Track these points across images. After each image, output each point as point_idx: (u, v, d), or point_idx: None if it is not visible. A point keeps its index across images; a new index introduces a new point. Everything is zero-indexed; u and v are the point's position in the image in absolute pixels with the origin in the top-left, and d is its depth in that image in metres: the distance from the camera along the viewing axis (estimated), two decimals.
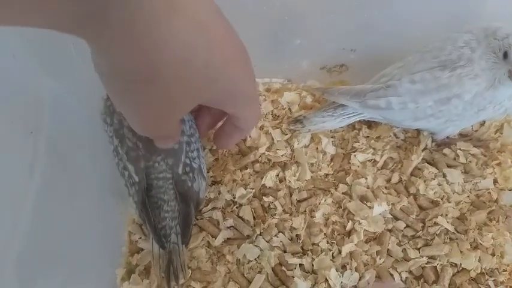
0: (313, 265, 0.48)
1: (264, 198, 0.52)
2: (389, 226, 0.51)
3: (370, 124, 0.58)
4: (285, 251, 0.49)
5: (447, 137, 0.55)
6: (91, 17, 0.23)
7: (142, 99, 0.28)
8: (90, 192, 0.48)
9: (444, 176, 0.54)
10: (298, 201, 0.52)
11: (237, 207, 0.52)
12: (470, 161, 0.55)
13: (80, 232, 0.44)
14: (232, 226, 0.50)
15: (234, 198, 0.52)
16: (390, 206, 0.52)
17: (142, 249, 0.49)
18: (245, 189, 0.52)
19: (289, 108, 0.59)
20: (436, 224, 0.51)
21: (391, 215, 0.52)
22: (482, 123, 0.58)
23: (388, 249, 0.50)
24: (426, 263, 0.49)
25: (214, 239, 0.49)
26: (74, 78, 0.46)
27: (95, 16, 0.23)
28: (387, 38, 0.56)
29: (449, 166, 0.55)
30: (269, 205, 0.52)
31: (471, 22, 0.50)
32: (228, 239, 0.50)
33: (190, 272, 0.48)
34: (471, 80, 0.47)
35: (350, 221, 0.51)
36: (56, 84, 0.44)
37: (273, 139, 0.56)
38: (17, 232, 0.36)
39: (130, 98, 0.29)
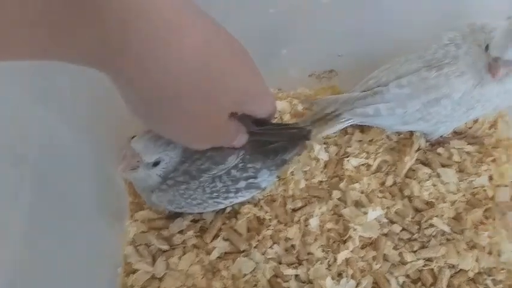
0: (309, 275, 0.48)
1: (259, 209, 0.52)
2: (385, 230, 0.51)
3: (362, 128, 0.58)
4: (280, 262, 0.49)
5: (441, 136, 0.55)
6: (110, 56, 0.26)
7: (183, 111, 0.31)
8: (84, 215, 0.48)
9: (438, 176, 0.54)
10: (293, 210, 0.52)
11: (233, 220, 0.52)
12: (464, 159, 0.55)
13: (75, 253, 0.44)
14: (228, 239, 0.51)
15: (228, 212, 0.52)
16: (385, 210, 0.51)
17: (137, 270, 0.49)
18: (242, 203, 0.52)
19: (281, 117, 0.59)
20: (431, 225, 0.50)
21: (387, 218, 0.51)
22: (476, 120, 0.58)
23: (384, 254, 0.49)
24: (423, 266, 0.49)
25: (208, 255, 0.50)
26: (60, 103, 0.47)
27: (114, 55, 0.26)
28: (375, 41, 0.55)
29: (443, 165, 0.54)
30: (264, 217, 0.52)
31: (454, 21, 0.50)
32: (223, 253, 0.50)
33: None
34: (458, 78, 0.46)
35: (345, 228, 0.51)
36: (42, 110, 0.44)
37: None
38: (7, 261, 0.36)
39: (174, 117, 0.32)
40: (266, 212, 0.52)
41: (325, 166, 0.56)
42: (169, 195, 0.45)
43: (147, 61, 0.26)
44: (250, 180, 0.47)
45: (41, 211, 0.41)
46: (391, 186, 0.54)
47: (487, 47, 0.44)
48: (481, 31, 0.46)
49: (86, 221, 0.48)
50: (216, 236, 0.51)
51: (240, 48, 0.34)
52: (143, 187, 0.46)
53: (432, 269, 0.49)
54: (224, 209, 0.52)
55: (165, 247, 0.50)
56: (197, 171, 0.44)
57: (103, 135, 0.52)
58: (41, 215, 0.41)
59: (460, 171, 0.54)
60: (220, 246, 0.50)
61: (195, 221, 0.52)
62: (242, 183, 0.47)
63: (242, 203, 0.52)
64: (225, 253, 0.50)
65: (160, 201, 0.46)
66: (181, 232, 0.51)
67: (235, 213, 0.52)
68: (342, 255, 0.49)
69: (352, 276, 0.48)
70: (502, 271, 0.48)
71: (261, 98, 0.38)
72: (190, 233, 0.51)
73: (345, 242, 0.50)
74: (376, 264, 0.49)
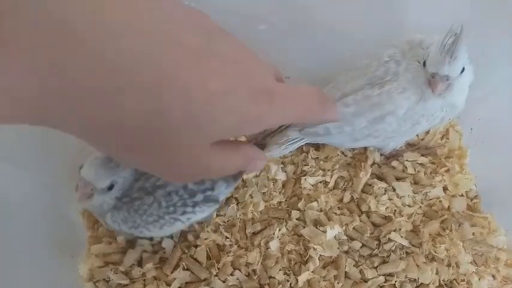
0: None
1: (219, 235, 0.52)
2: (345, 248, 0.51)
3: (317, 146, 0.58)
4: None
5: (394, 149, 0.56)
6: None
7: (166, 147, 0.26)
8: (39, 254, 0.47)
9: (394, 189, 0.54)
10: (253, 233, 0.52)
11: (192, 249, 0.51)
12: (418, 171, 0.56)
13: None
14: (188, 269, 0.50)
15: (188, 240, 0.52)
16: (344, 227, 0.52)
17: None
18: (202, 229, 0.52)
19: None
20: (390, 240, 0.51)
21: (346, 235, 0.51)
22: (428, 131, 0.59)
23: (345, 272, 0.49)
24: (384, 282, 0.49)
25: (169, 287, 0.49)
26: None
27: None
28: (320, 62, 0.56)
29: (398, 179, 0.55)
30: (224, 243, 0.51)
31: (395, 38, 0.51)
32: (184, 283, 0.49)
33: None
34: (400, 95, 0.47)
35: (306, 248, 0.51)
36: None
37: None
38: None
39: (152, 154, 0.27)
40: (226, 238, 0.52)
41: (283, 186, 0.56)
42: (124, 212, 0.44)
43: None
44: (208, 193, 0.47)
45: None
46: (348, 202, 0.54)
47: (424, 63, 0.45)
48: (419, 47, 0.47)
49: (42, 260, 0.47)
50: (176, 267, 0.50)
51: (235, 49, 0.27)
52: (99, 212, 0.46)
53: (394, 284, 0.49)
54: (184, 237, 0.51)
55: (125, 281, 0.50)
56: (152, 187, 0.44)
57: (53, 170, 0.51)
58: None
59: (415, 183, 0.55)
60: (180, 276, 0.49)
61: (154, 252, 0.51)
62: (199, 196, 0.46)
63: (202, 229, 0.52)
64: (186, 283, 0.50)
65: (114, 220, 0.45)
66: (140, 265, 0.50)
67: (194, 241, 0.52)
68: (303, 277, 0.49)
69: None
70: (462, 282, 0.48)
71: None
72: (150, 265, 0.50)
73: (306, 262, 0.50)
74: (338, 283, 0.49)
